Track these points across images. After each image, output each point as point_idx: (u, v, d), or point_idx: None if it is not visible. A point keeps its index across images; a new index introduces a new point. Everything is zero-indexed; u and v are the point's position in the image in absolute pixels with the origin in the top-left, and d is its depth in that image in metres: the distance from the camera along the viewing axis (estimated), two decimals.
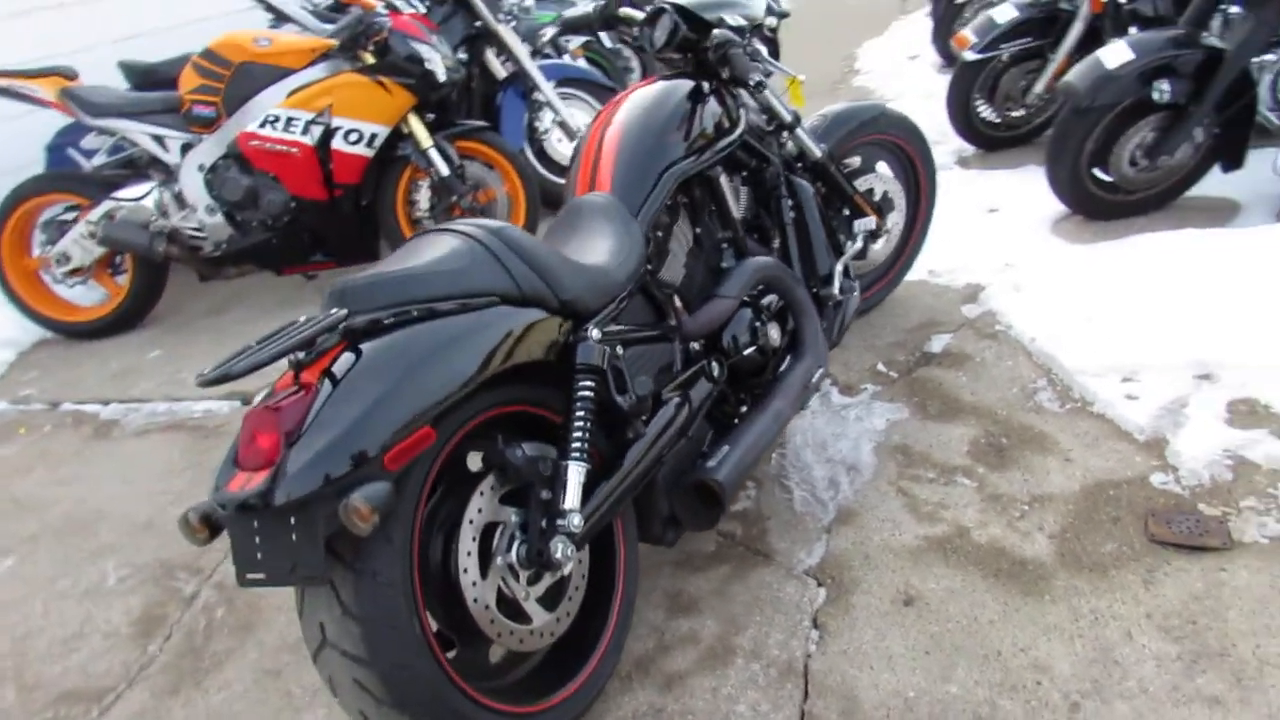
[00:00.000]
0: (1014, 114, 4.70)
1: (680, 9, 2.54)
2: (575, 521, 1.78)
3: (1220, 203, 3.81)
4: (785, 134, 2.83)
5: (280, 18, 5.07)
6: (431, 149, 3.93)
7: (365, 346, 1.63)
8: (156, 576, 2.63)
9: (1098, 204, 3.75)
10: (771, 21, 2.70)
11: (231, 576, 2.56)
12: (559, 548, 1.76)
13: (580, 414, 1.86)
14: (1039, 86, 4.51)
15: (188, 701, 2.19)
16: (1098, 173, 3.68)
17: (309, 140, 3.81)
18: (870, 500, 2.50)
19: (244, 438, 1.58)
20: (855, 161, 3.10)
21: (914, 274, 3.54)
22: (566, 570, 1.83)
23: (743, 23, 2.57)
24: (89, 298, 4.35)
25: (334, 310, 1.64)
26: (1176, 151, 3.54)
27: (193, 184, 3.94)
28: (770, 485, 2.62)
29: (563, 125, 4.73)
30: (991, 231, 3.92)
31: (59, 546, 2.83)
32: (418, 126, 3.92)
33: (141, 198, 3.99)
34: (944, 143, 4.87)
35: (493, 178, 4.15)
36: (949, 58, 6.29)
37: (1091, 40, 4.30)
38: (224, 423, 3.41)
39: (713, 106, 2.51)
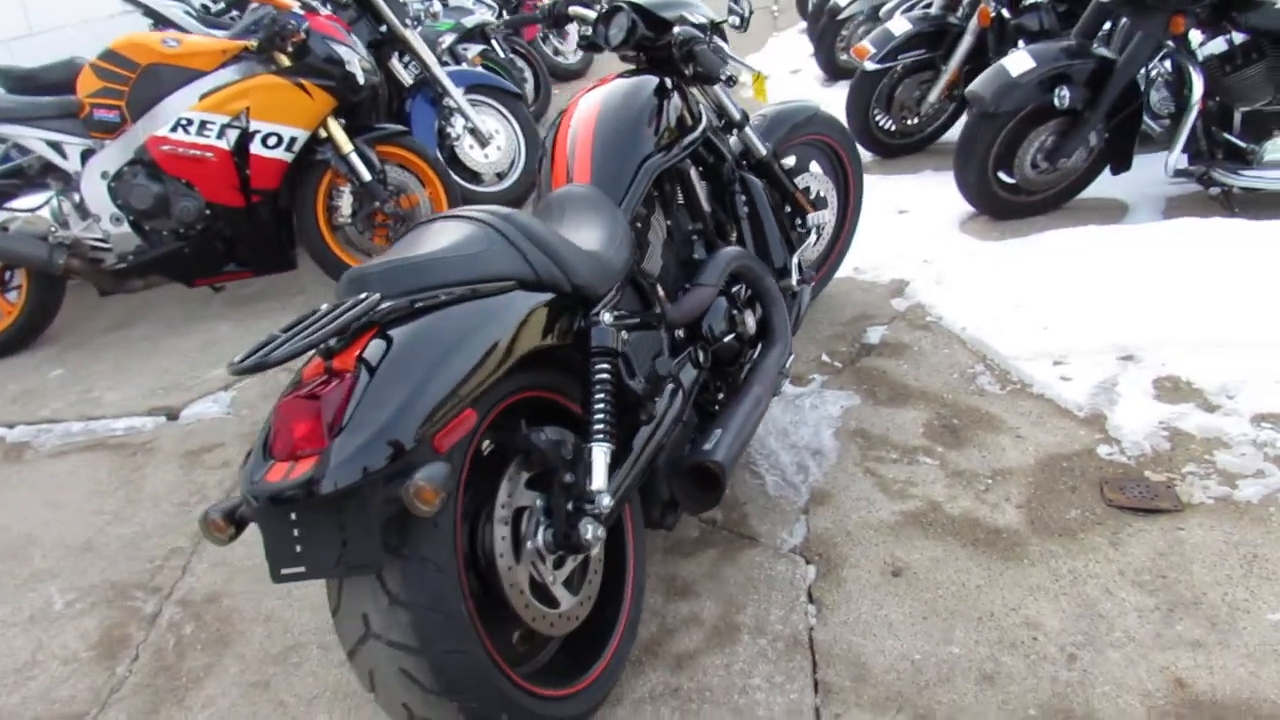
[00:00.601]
0: (909, 122, 4.95)
1: (637, 7, 2.59)
2: (605, 502, 1.78)
3: (1110, 203, 4.12)
4: (734, 131, 2.91)
5: (160, 21, 4.88)
6: (353, 153, 3.84)
7: (397, 331, 1.60)
8: (109, 598, 2.47)
9: (1002, 205, 4.00)
10: (735, 20, 2.78)
11: (194, 593, 2.46)
12: (588, 529, 1.76)
13: (600, 396, 1.87)
14: (932, 96, 4.77)
15: None
16: (1002, 175, 3.92)
17: (225, 144, 3.66)
18: (840, 481, 2.59)
19: (278, 428, 1.52)
20: (790, 160, 3.21)
21: (841, 271, 3.68)
22: (594, 551, 1.83)
23: (703, 21, 2.64)
24: None
25: (363, 295, 1.61)
26: (1074, 154, 3.81)
27: (96, 192, 3.73)
28: (741, 472, 2.67)
29: (474, 132, 4.70)
30: (905, 231, 4.12)
31: None
32: (337, 131, 3.83)
33: (38, 208, 3.74)
34: None
35: (413, 183, 4.08)
36: (831, 72, 6.58)
37: (979, 53, 4.59)
38: (150, 439, 3.22)
39: (677, 102, 2.57)
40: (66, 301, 4.12)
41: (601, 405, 1.87)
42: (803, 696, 1.95)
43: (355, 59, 3.78)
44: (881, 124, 4.93)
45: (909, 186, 4.64)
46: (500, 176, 4.90)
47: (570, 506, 1.80)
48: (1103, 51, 3.68)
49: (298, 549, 1.52)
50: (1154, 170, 4.12)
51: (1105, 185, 4.10)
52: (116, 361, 3.82)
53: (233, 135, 3.65)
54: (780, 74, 7.18)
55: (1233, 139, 3.60)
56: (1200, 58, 3.56)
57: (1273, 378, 2.72)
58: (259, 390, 3.46)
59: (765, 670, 2.02)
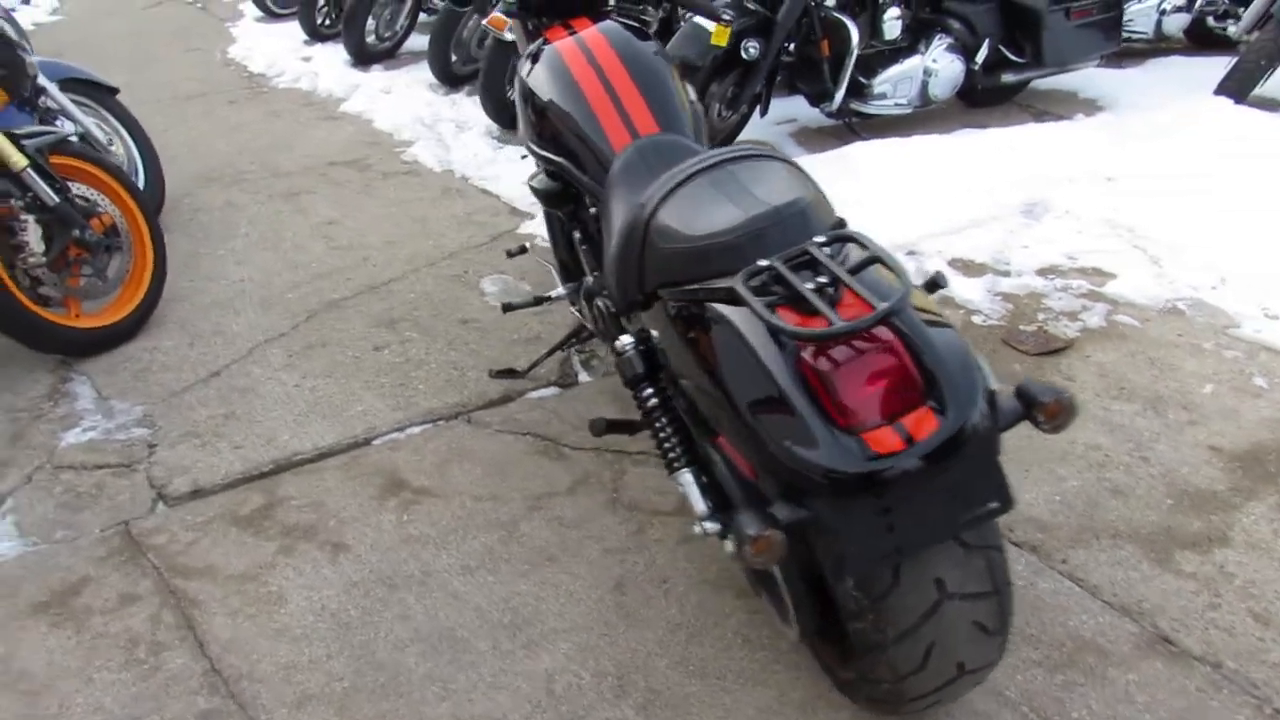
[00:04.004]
0: None
1: None
2: None
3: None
4: None
5: None
6: (28, 169, 2.81)
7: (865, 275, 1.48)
8: None
9: None
10: None
11: None
12: None
13: None
14: None
15: None
16: None
17: None
18: None
19: (847, 390, 1.34)
20: None
21: None
22: None
23: None
24: None
25: (841, 231, 1.49)
26: (749, 101, 4.34)
27: None
28: None
29: (84, 138, 3.68)
30: None
31: None
32: (3, 140, 2.77)
33: None
34: (473, 126, 5.04)
35: (99, 199, 3.12)
36: (361, 55, 6.29)
37: None
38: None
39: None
40: None
41: None
42: None
43: (14, 33, 2.76)
44: (511, 96, 4.94)
45: None
46: None
47: None
48: (755, 6, 4.22)
49: (891, 526, 1.36)
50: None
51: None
52: None
53: None
54: (290, 60, 6.57)
55: (859, 77, 4.44)
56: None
57: (1018, 243, 3.57)
58: (49, 504, 2.44)
59: None
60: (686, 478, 1.79)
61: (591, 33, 2.38)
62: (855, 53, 4.28)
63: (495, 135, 4.97)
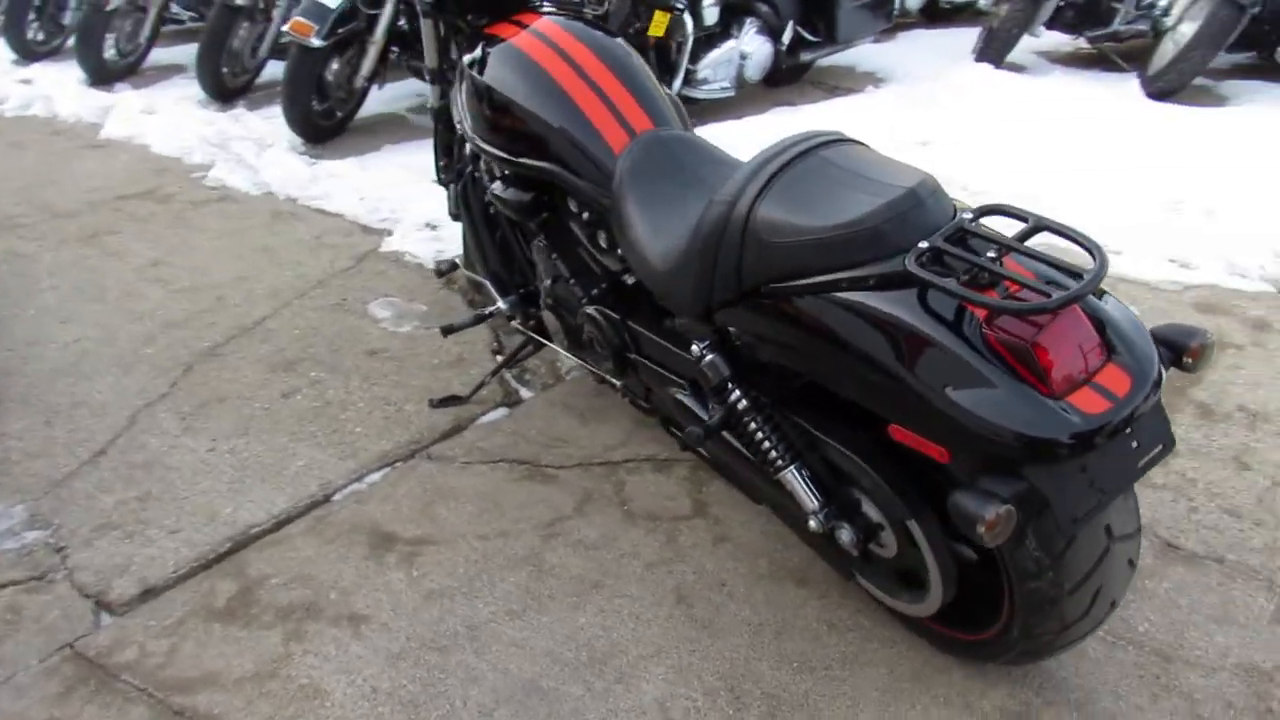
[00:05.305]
0: (342, 100, 4.68)
1: None
2: None
3: None
4: None
5: None
6: None
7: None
8: None
9: None
10: None
11: None
12: None
13: None
14: (365, 69, 4.58)
15: None
16: None
17: None
18: None
19: (1046, 357, 1.35)
20: None
21: None
22: None
23: None
24: None
25: (991, 205, 1.54)
26: None
27: None
28: None
29: None
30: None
31: None
32: None
33: None
34: (274, 143, 4.60)
35: None
36: (25, 51, 5.79)
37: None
38: None
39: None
40: None
41: None
42: None
43: None
44: (315, 106, 4.57)
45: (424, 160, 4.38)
46: None
47: None
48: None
49: (1091, 481, 1.40)
50: None
51: None
52: None
53: None
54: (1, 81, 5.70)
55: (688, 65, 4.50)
56: None
57: None
58: None
59: None
60: (792, 475, 1.75)
61: (550, 27, 2.24)
62: (691, 39, 4.33)
63: (303, 150, 4.57)
